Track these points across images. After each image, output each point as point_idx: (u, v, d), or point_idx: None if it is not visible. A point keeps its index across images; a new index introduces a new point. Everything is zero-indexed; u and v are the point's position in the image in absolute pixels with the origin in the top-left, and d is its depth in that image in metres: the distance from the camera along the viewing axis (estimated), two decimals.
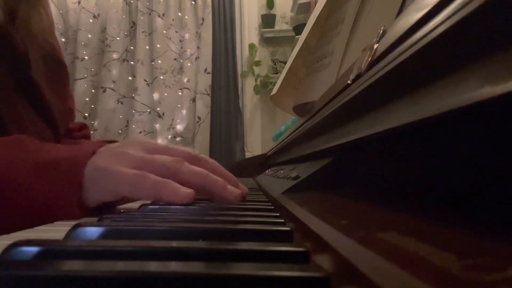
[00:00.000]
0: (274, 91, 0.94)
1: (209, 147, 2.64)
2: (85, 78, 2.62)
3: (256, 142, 2.72)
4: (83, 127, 0.76)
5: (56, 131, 0.62)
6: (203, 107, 2.67)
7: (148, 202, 0.38)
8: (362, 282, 0.11)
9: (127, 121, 2.65)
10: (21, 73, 0.54)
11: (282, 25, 2.73)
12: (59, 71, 0.64)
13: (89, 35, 2.64)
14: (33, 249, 0.17)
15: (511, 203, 0.14)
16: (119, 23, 2.66)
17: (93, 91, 2.65)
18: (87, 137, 0.76)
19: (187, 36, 2.70)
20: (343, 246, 0.14)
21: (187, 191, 0.36)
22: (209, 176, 0.39)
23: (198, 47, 2.72)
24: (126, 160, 0.37)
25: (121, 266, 0.15)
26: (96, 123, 2.58)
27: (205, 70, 2.70)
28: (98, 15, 2.67)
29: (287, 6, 2.70)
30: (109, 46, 2.63)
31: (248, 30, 2.75)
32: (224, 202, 0.39)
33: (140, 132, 2.62)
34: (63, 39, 2.61)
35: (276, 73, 2.59)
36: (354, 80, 0.30)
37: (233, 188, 0.41)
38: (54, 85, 0.61)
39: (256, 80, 2.67)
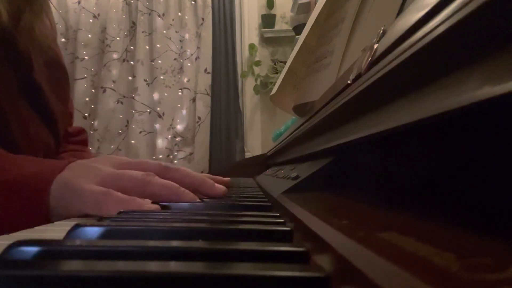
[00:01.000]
0: (273, 91, 0.94)
1: (209, 147, 2.64)
2: (85, 78, 2.62)
3: (256, 142, 2.72)
4: (81, 131, 0.77)
5: (56, 133, 0.62)
6: (203, 107, 2.67)
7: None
8: (362, 282, 0.11)
9: (127, 121, 2.65)
10: (24, 75, 0.55)
11: (282, 25, 2.73)
12: (60, 76, 0.66)
13: (89, 35, 2.64)
14: (33, 249, 0.17)
15: (511, 203, 0.14)
16: (119, 23, 2.66)
17: (93, 91, 2.65)
18: (85, 142, 0.77)
19: (187, 36, 2.70)
20: (343, 246, 0.14)
21: (151, 208, 0.36)
22: (178, 189, 0.40)
23: (198, 47, 2.72)
24: (94, 176, 0.38)
25: (121, 266, 0.15)
26: (96, 123, 2.58)
27: (205, 70, 2.70)
28: (98, 15, 2.67)
29: (287, 6, 2.70)
30: (109, 46, 2.63)
31: (248, 30, 2.75)
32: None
33: (140, 132, 2.62)
34: (63, 39, 2.61)
35: (276, 73, 2.59)
36: (354, 80, 0.30)
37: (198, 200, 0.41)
38: (56, 89, 0.62)
39: (256, 80, 2.67)
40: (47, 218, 0.36)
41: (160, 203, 0.37)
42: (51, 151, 0.62)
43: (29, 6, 0.55)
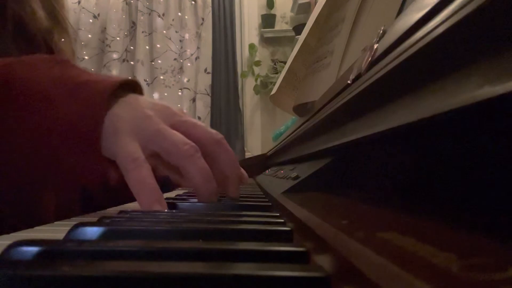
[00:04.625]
0: (273, 91, 0.94)
1: None
2: None
3: (256, 142, 2.72)
4: None
5: None
6: (203, 107, 2.67)
7: None
8: (362, 282, 0.11)
9: None
10: None
11: (282, 25, 2.73)
12: None
13: (89, 35, 2.64)
14: (33, 249, 0.17)
15: (511, 203, 0.14)
16: (119, 23, 2.66)
17: None
18: None
19: (187, 36, 2.70)
20: (343, 246, 0.14)
21: (157, 208, 0.35)
22: (211, 183, 0.38)
23: (198, 47, 2.72)
24: (140, 129, 0.37)
25: (121, 266, 0.15)
26: None
27: (205, 70, 2.70)
28: (98, 15, 2.67)
29: (287, 6, 2.70)
30: (109, 46, 2.63)
31: (248, 30, 2.75)
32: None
33: None
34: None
35: (276, 73, 2.59)
36: (354, 80, 0.30)
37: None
38: None
39: (256, 80, 2.67)
40: (100, 138, 0.36)
41: (167, 201, 0.36)
42: None
43: (56, 25, 0.61)
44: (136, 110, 0.38)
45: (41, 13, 0.56)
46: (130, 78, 0.40)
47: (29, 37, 0.54)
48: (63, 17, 0.63)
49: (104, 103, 0.36)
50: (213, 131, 0.41)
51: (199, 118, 2.65)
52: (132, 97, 0.39)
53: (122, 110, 0.38)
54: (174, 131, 0.38)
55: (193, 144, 0.38)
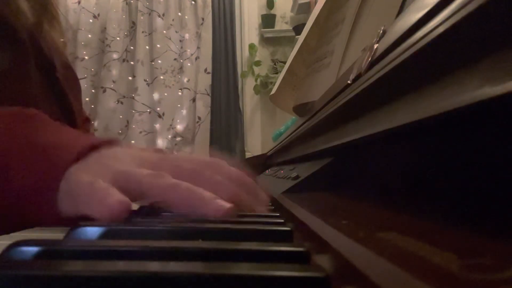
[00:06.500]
0: (273, 91, 0.94)
1: (209, 147, 2.64)
2: (85, 78, 2.62)
3: (256, 142, 2.72)
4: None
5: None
6: (203, 107, 2.67)
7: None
8: (362, 282, 0.11)
9: (127, 121, 2.65)
10: (48, 73, 0.58)
11: (282, 25, 2.73)
12: (74, 80, 0.68)
13: (89, 35, 2.64)
14: (33, 249, 0.17)
15: (511, 203, 0.14)
16: (119, 23, 2.66)
17: (93, 91, 2.65)
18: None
19: (187, 36, 2.70)
20: (343, 246, 0.14)
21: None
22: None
23: (198, 47, 2.72)
24: (100, 169, 0.32)
25: (121, 266, 0.15)
26: (96, 123, 2.58)
27: (205, 70, 2.70)
28: (98, 15, 2.67)
29: (287, 6, 2.69)
30: (109, 46, 2.63)
31: (248, 30, 2.75)
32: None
33: (140, 132, 2.62)
34: (62, 39, 2.61)
35: (276, 73, 2.59)
36: (354, 80, 0.30)
37: None
38: (72, 91, 0.64)
39: (256, 80, 2.67)
40: (56, 205, 0.30)
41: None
42: None
43: (45, 15, 0.59)
44: (101, 157, 0.33)
45: (26, 8, 0.54)
46: (106, 139, 0.35)
47: (13, 35, 0.51)
48: (52, 4, 0.61)
49: (60, 174, 0.31)
50: (199, 159, 0.37)
51: (199, 118, 2.65)
52: (98, 154, 0.34)
53: (83, 165, 0.32)
54: (141, 169, 0.32)
55: (156, 172, 0.32)
